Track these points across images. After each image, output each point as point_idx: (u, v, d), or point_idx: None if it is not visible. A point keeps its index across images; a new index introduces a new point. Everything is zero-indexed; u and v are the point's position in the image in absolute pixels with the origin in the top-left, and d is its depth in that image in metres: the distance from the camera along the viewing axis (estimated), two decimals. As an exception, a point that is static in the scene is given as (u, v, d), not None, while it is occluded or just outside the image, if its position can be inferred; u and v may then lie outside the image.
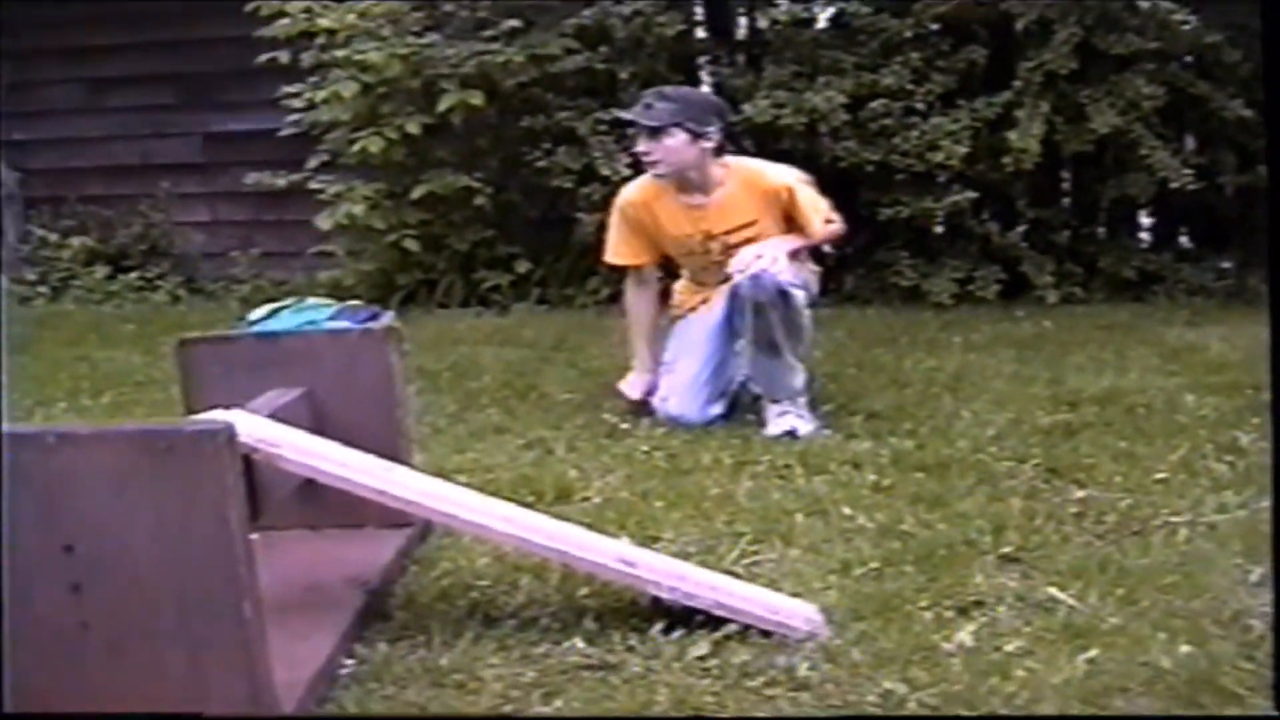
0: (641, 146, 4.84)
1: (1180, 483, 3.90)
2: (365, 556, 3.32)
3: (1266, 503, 3.62)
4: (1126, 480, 3.94)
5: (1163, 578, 3.10)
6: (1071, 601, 2.99)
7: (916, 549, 3.36)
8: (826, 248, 5.23)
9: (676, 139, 4.77)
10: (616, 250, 5.15)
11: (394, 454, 3.20)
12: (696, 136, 4.79)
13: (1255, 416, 4.57)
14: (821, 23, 8.22)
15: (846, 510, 3.72)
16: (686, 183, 4.86)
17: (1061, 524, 3.57)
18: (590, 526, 3.23)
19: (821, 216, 4.86)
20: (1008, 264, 7.79)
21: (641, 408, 5.00)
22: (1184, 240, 8.55)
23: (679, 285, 5.27)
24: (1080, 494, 3.83)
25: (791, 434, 4.60)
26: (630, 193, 5.10)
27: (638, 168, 5.24)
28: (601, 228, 5.54)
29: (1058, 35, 7.45)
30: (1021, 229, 8.05)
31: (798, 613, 2.89)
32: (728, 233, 4.85)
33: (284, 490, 2.96)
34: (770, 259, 4.63)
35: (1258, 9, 7.16)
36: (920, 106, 7.69)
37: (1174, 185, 7.37)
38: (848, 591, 3.09)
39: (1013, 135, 7.38)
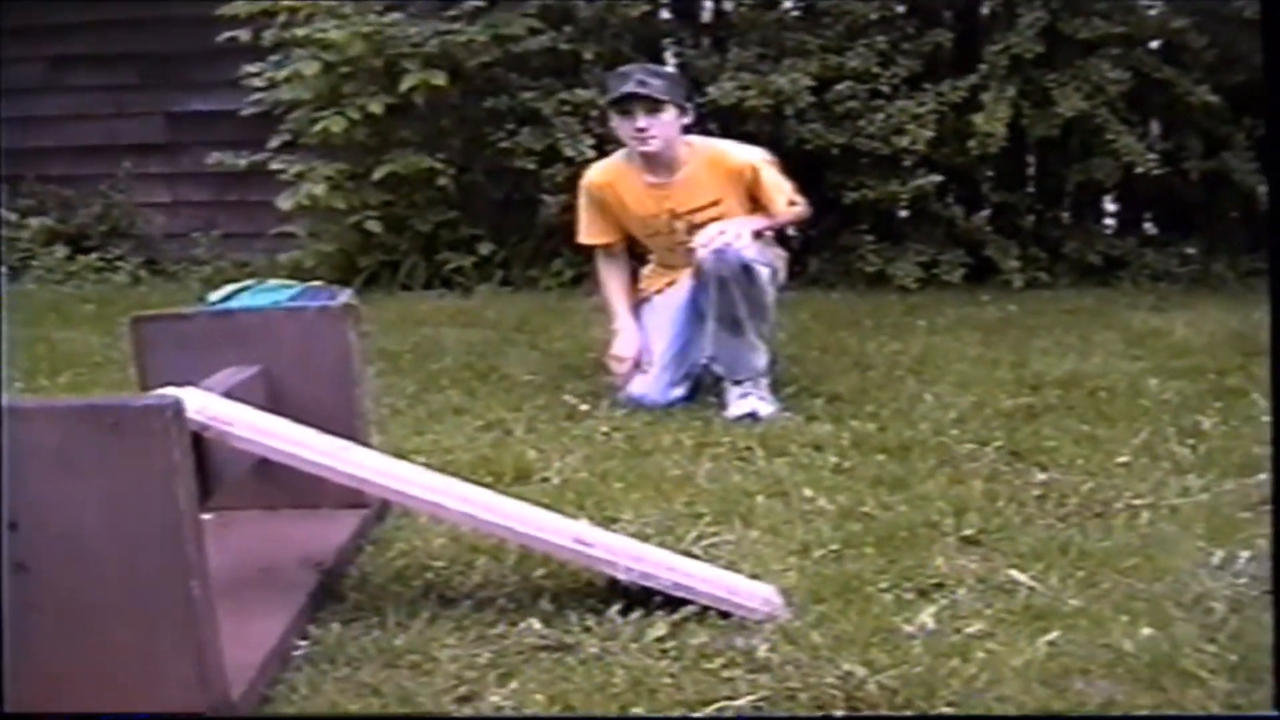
0: (640, 122, 4.77)
1: (1142, 466, 3.89)
2: (320, 537, 3.28)
3: (1229, 486, 3.65)
4: (1088, 463, 3.93)
5: (1124, 560, 3.09)
6: (1032, 584, 2.98)
7: (877, 531, 3.35)
8: (791, 230, 5.22)
9: (670, 114, 4.77)
10: (587, 231, 5.14)
11: (351, 433, 3.17)
12: (682, 113, 4.81)
13: (1218, 401, 4.59)
14: (787, 4, 8.18)
15: (807, 492, 3.70)
16: (655, 161, 4.84)
17: (1023, 506, 3.56)
18: (549, 507, 3.19)
19: (785, 197, 4.85)
20: (973, 248, 7.79)
21: (635, 369, 4.98)
22: (1149, 226, 8.55)
23: (646, 269, 5.26)
24: (1042, 477, 3.82)
25: (753, 416, 4.58)
26: (594, 174, 5.10)
27: (602, 149, 5.21)
28: (566, 209, 5.52)
29: (1024, 19, 7.44)
30: (987, 213, 8.05)
31: (756, 593, 2.87)
32: (692, 212, 4.83)
33: (237, 469, 2.93)
34: (734, 235, 4.62)
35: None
36: (886, 89, 7.66)
37: (1139, 170, 7.38)
38: (807, 573, 3.07)
39: (978, 119, 7.37)
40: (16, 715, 2.28)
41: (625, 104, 4.78)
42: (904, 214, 8.09)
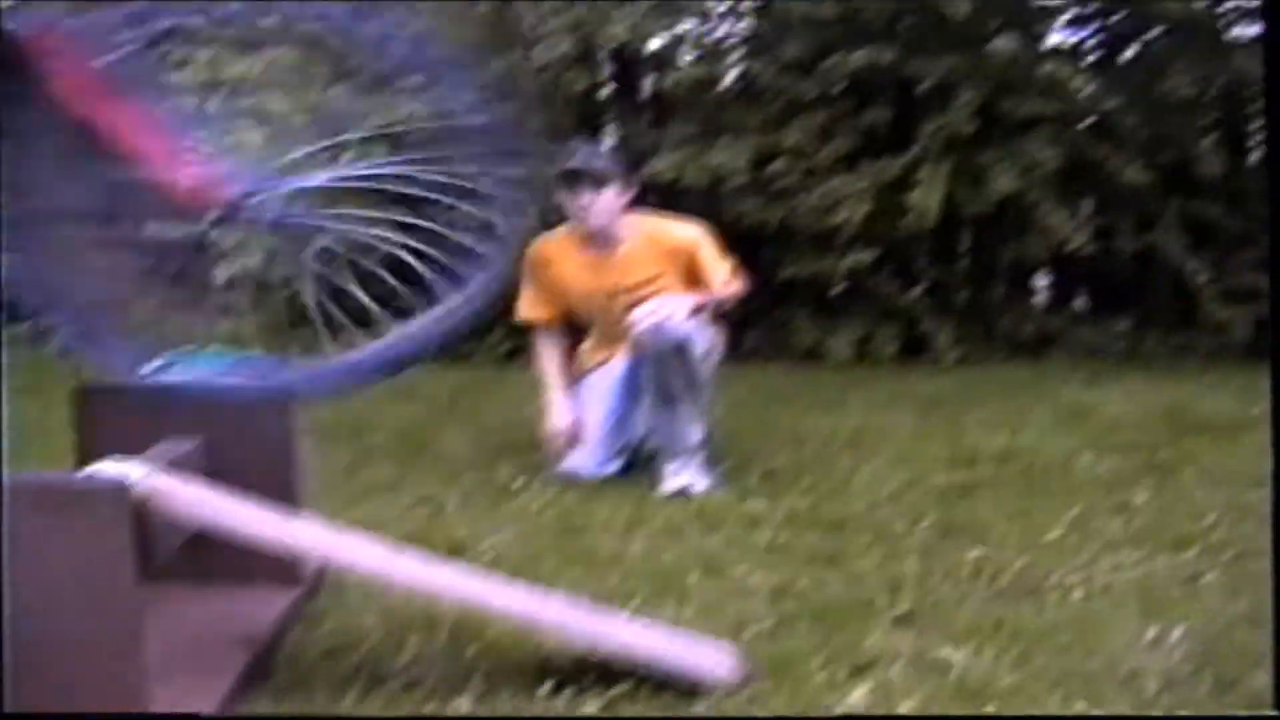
0: (584, 199, 4.83)
1: (1075, 542, 3.91)
2: (252, 612, 3.24)
3: (1161, 561, 3.66)
4: (1022, 539, 3.94)
5: (1057, 637, 3.09)
6: (966, 661, 2.98)
7: (811, 608, 3.33)
8: (726, 305, 5.24)
9: (613, 190, 4.84)
10: (529, 305, 5.15)
11: (290, 509, 3.15)
12: (624, 190, 4.87)
13: (1149, 476, 4.64)
14: (727, 81, 8.24)
15: (741, 569, 3.69)
16: (597, 237, 4.89)
17: (957, 583, 3.55)
18: (482, 584, 3.18)
19: (723, 274, 4.88)
20: (907, 323, 7.85)
21: (570, 443, 4.99)
22: (1081, 302, 8.65)
23: (586, 344, 5.27)
24: (976, 553, 3.81)
25: (687, 491, 4.58)
26: (535, 249, 5.10)
27: (542, 223, 5.23)
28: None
29: (959, 98, 7.52)
30: (921, 289, 8.11)
31: (711, 653, 2.86)
32: (632, 288, 4.87)
33: (175, 542, 2.90)
34: (671, 311, 4.64)
35: (1156, 75, 7.32)
36: (823, 167, 7.71)
37: (1071, 247, 7.46)
38: (741, 652, 3.06)
39: (913, 196, 7.43)
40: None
41: (570, 180, 4.82)
42: (839, 289, 8.13)
